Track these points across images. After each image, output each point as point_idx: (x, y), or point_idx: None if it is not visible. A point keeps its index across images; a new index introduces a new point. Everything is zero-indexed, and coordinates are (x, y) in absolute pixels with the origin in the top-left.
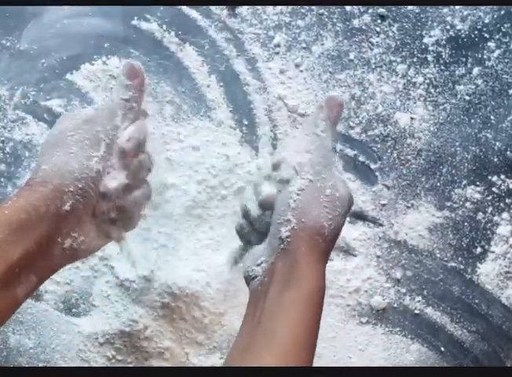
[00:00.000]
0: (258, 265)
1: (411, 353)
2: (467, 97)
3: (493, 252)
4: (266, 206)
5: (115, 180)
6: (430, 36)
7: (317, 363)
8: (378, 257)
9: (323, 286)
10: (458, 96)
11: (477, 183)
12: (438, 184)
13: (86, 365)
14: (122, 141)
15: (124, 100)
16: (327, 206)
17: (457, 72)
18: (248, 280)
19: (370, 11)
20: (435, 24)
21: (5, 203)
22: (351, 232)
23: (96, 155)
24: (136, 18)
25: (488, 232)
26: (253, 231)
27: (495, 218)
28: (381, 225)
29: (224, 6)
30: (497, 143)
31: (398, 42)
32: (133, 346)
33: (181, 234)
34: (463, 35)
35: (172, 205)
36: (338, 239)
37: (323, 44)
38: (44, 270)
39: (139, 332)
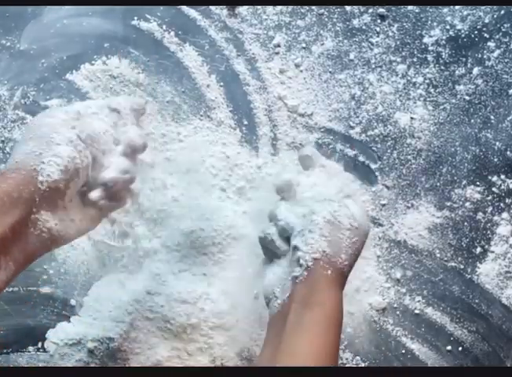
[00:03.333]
0: (279, 286)
1: (411, 352)
2: (467, 97)
3: (493, 252)
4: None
5: (115, 171)
6: (430, 36)
7: None
8: (378, 257)
9: (342, 310)
10: (458, 96)
11: (477, 183)
12: (438, 184)
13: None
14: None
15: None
16: (347, 239)
17: (457, 72)
18: (268, 299)
19: (370, 11)
20: (435, 24)
21: None
22: None
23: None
24: (136, 18)
25: (488, 232)
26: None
27: (495, 218)
28: (381, 225)
29: (225, 6)
30: (497, 143)
31: (398, 42)
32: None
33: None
34: (463, 35)
35: (172, 205)
36: None
37: (323, 44)
38: (20, 257)
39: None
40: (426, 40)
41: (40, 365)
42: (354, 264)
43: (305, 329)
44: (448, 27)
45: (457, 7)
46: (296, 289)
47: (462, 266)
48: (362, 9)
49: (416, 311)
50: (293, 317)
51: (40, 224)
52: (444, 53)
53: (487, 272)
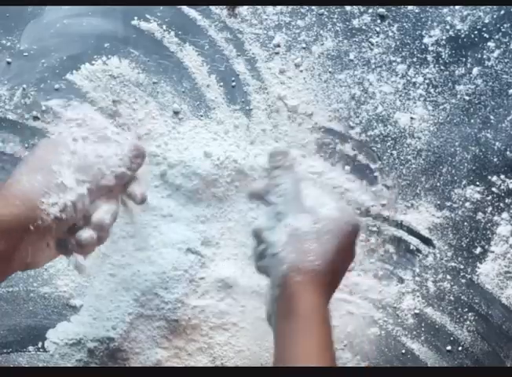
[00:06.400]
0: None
1: (411, 352)
2: (467, 97)
3: (493, 252)
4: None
5: (108, 213)
6: (430, 36)
7: None
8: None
9: (321, 307)
10: (458, 96)
11: (477, 183)
12: (438, 184)
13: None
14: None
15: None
16: (315, 241)
17: (457, 72)
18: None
19: (370, 11)
20: (435, 24)
21: None
22: None
23: (86, 180)
24: (136, 18)
25: (488, 232)
26: None
27: (495, 218)
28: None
29: (225, 6)
30: (497, 143)
31: (398, 42)
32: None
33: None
34: (463, 35)
35: (171, 204)
36: None
37: (323, 44)
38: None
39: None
40: (425, 40)
41: (40, 365)
42: (337, 267)
43: (288, 337)
44: (447, 27)
45: (457, 7)
46: (277, 305)
47: (462, 266)
48: (362, 9)
49: (416, 311)
50: (278, 330)
51: (21, 253)
52: (443, 53)
53: (487, 272)
